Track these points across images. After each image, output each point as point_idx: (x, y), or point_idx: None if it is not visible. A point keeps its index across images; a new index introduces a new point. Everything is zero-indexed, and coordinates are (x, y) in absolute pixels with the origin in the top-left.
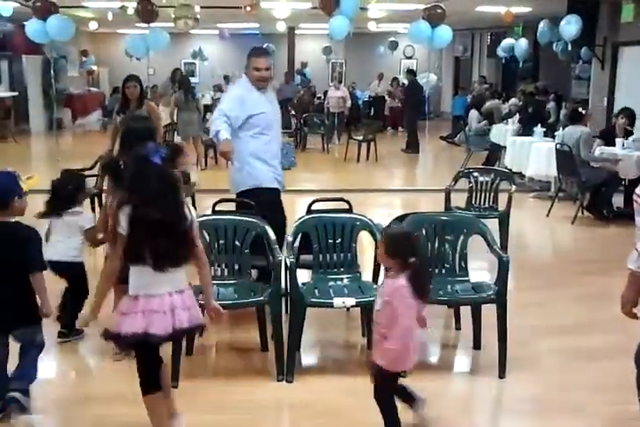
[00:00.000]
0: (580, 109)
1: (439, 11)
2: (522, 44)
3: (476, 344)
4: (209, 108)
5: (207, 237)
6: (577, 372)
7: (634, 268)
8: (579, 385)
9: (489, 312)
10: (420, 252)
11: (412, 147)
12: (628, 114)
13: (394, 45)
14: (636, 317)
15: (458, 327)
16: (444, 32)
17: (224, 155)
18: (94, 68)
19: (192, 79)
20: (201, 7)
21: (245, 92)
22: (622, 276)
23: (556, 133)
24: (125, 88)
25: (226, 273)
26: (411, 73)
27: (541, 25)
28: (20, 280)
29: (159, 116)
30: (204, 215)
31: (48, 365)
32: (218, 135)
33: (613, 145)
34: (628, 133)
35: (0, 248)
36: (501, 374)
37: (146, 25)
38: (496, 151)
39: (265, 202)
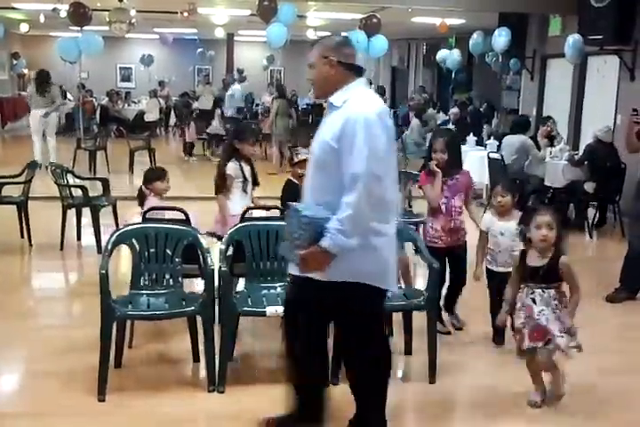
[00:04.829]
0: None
1: (375, 21)
2: (454, 55)
3: (408, 350)
4: (143, 113)
5: (137, 245)
6: (507, 375)
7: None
8: (510, 388)
9: (421, 317)
10: None
11: None
12: (552, 121)
13: None
14: None
15: (390, 333)
16: (380, 42)
17: None
18: (25, 71)
19: (128, 84)
20: (137, 11)
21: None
22: None
23: (487, 142)
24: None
25: (156, 282)
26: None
27: (474, 36)
28: None
29: None
30: (134, 223)
31: None
32: None
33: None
34: (551, 139)
35: None
36: (432, 379)
37: (79, 28)
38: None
39: None
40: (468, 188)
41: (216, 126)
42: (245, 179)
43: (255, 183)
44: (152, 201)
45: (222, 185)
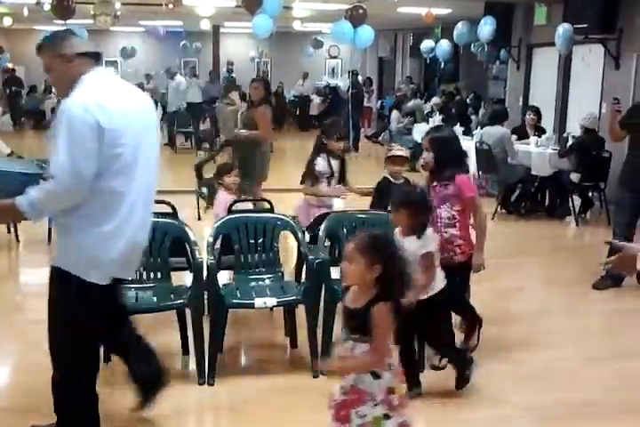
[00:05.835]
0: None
1: (361, 11)
2: (443, 46)
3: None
4: None
5: None
6: (499, 362)
7: None
8: (502, 377)
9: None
10: None
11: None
12: (535, 111)
13: (318, 44)
14: None
15: None
16: (366, 32)
17: None
18: (10, 65)
19: None
20: (122, 4)
21: None
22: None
23: (474, 132)
24: (251, 89)
25: (144, 276)
26: (355, 74)
27: (459, 26)
28: None
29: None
30: None
31: None
32: None
33: (525, 138)
34: (537, 129)
35: None
36: (421, 369)
37: (63, 21)
38: (419, 150)
39: None
40: (461, 199)
41: None
42: (332, 174)
43: (342, 180)
44: (222, 195)
45: (312, 179)
